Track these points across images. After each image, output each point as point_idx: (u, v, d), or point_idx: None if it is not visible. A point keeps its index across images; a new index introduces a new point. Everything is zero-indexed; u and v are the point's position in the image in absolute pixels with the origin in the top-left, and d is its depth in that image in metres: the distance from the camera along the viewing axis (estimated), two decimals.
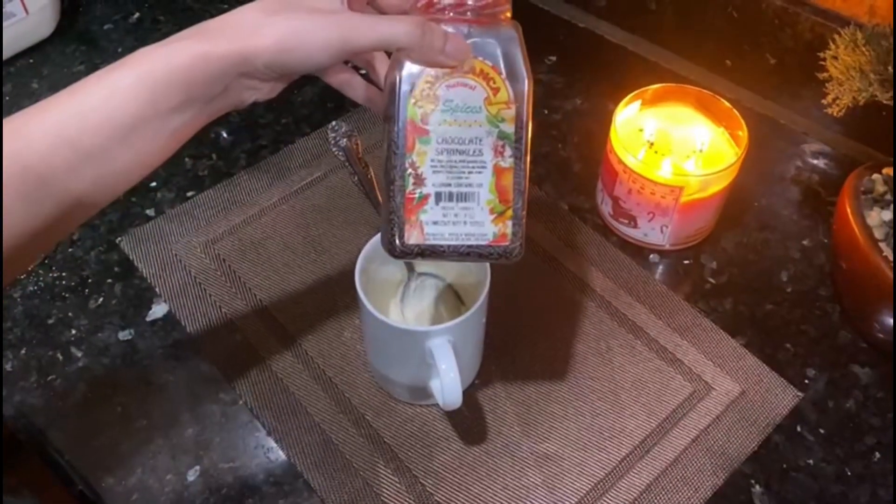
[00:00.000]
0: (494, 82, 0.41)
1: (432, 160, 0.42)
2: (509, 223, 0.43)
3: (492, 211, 0.43)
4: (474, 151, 0.42)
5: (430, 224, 0.43)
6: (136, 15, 0.89)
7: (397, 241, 0.43)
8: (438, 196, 0.42)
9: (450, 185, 0.42)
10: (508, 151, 0.42)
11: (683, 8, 0.79)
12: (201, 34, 0.40)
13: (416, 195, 0.42)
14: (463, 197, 0.43)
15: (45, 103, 0.39)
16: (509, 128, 0.42)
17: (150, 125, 0.39)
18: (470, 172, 0.42)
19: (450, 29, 0.41)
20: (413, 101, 0.41)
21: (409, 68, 0.41)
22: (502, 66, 0.41)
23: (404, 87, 0.41)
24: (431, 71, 0.41)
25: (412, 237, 0.43)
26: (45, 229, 0.39)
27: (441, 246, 0.43)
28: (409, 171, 0.42)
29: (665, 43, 0.83)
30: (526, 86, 0.41)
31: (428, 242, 0.43)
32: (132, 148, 0.40)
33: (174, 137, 0.41)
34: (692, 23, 0.79)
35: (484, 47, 0.41)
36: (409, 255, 0.43)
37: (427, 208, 0.43)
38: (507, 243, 0.43)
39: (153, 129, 0.40)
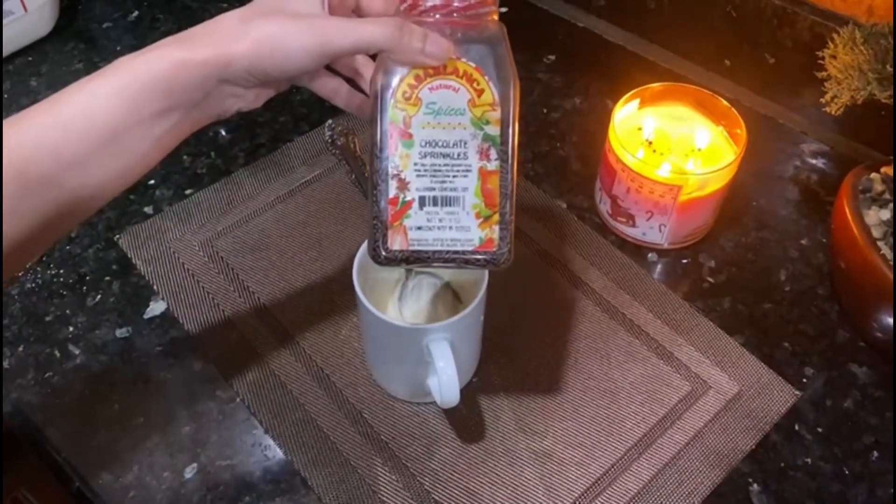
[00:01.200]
0: (478, 84, 0.41)
1: (416, 164, 0.41)
2: (496, 228, 0.42)
3: (478, 215, 0.42)
4: (459, 155, 0.41)
5: (415, 229, 0.42)
6: (135, 13, 0.89)
7: (381, 248, 0.42)
8: (422, 201, 0.42)
9: (434, 189, 0.42)
10: (494, 154, 0.41)
11: (682, 7, 0.79)
12: (180, 41, 0.40)
13: (400, 200, 0.41)
14: (448, 201, 0.42)
15: (26, 113, 0.38)
16: (494, 130, 0.41)
17: (132, 133, 0.39)
18: (455, 176, 0.42)
19: (433, 31, 0.40)
20: (395, 103, 0.41)
21: (391, 71, 0.41)
22: (486, 67, 0.41)
23: (385, 90, 0.41)
24: (414, 73, 0.40)
25: (396, 243, 0.42)
26: (28, 238, 0.38)
27: (426, 252, 0.42)
28: (392, 175, 0.41)
29: (664, 42, 0.83)
30: (511, 88, 0.41)
31: (412, 248, 0.42)
32: (115, 156, 0.39)
33: (158, 145, 0.41)
34: (691, 22, 0.79)
35: (468, 49, 0.41)
36: (393, 261, 0.42)
37: (411, 213, 0.42)
38: (494, 249, 0.42)
39: (136, 137, 0.40)
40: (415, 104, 0.41)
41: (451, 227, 0.42)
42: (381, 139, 0.41)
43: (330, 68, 0.47)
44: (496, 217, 0.42)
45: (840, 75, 0.56)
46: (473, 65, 0.41)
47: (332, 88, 0.47)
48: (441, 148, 0.41)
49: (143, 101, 0.39)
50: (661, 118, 0.65)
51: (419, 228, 0.42)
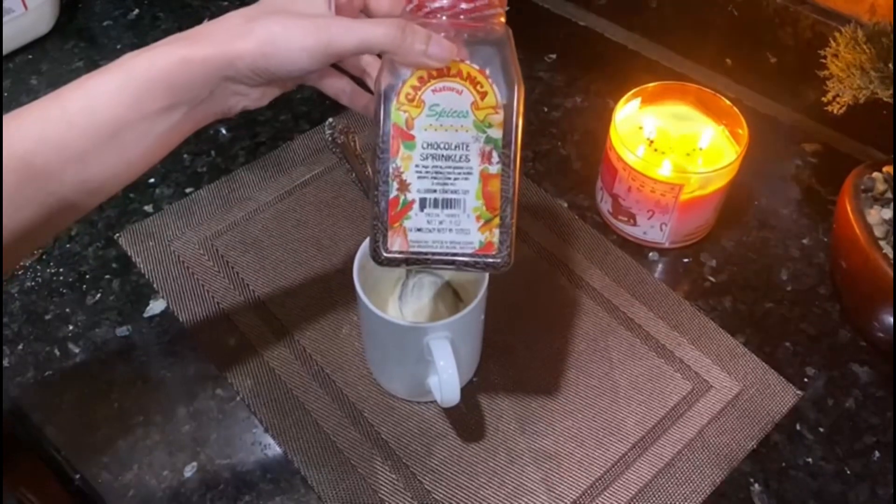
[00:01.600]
0: (482, 86, 0.41)
1: (417, 165, 0.41)
2: (496, 231, 0.42)
3: (478, 218, 0.42)
4: (461, 157, 0.41)
5: (414, 231, 0.42)
6: (136, 12, 0.89)
7: (381, 248, 0.42)
8: (423, 202, 0.42)
9: (435, 191, 0.42)
10: (496, 157, 0.41)
11: (684, 6, 0.79)
12: (184, 39, 0.41)
13: (401, 201, 0.41)
14: (448, 203, 0.42)
15: (30, 106, 0.39)
16: (497, 133, 0.41)
17: (135, 128, 0.40)
18: (456, 178, 0.41)
19: (438, 32, 0.40)
20: (398, 105, 0.41)
21: (395, 72, 0.41)
22: (490, 70, 0.40)
23: (389, 92, 0.41)
24: (417, 75, 0.40)
25: (396, 244, 0.42)
26: (28, 230, 0.39)
27: (425, 254, 0.42)
28: (394, 176, 0.41)
29: (665, 41, 0.83)
30: (515, 91, 0.41)
31: (412, 250, 0.42)
32: (118, 150, 0.40)
33: (160, 141, 0.41)
34: (692, 21, 0.79)
35: (473, 51, 0.41)
36: (393, 262, 0.42)
37: (411, 215, 0.42)
38: (493, 252, 0.42)
39: (138, 133, 0.40)
40: (417, 106, 0.41)
41: (451, 230, 0.42)
42: (384, 140, 0.41)
43: (338, 67, 0.47)
44: (497, 220, 0.42)
45: (842, 74, 0.56)
46: (477, 67, 0.40)
47: (339, 88, 0.47)
48: (443, 150, 0.41)
49: (145, 97, 0.39)
50: (662, 117, 0.65)
51: (419, 230, 0.42)
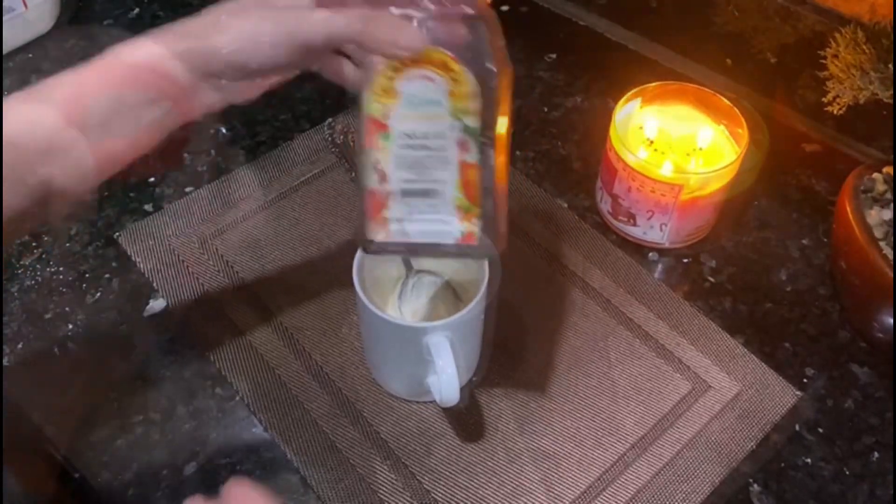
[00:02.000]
0: (456, 74, 0.39)
1: (396, 156, 0.41)
2: (476, 221, 0.41)
3: (459, 208, 0.41)
4: (439, 147, 0.40)
5: (395, 221, 0.42)
6: (136, 10, 0.89)
7: (365, 238, 0.42)
8: (403, 193, 0.41)
9: (414, 181, 0.41)
10: (473, 147, 0.40)
11: (684, 6, 0.79)
12: (164, 34, 0.42)
13: (380, 192, 0.41)
14: (428, 193, 0.41)
15: (17, 95, 0.40)
16: (474, 122, 0.40)
17: (120, 118, 0.41)
18: (435, 168, 0.41)
19: (416, 17, 0.38)
20: (374, 97, 0.40)
21: (368, 63, 0.40)
22: (465, 57, 0.38)
23: (364, 83, 0.40)
24: (391, 65, 0.39)
25: (378, 234, 0.42)
26: (15, 216, 0.39)
27: (407, 243, 0.42)
28: (374, 167, 0.41)
29: (666, 41, 0.83)
30: (495, 78, 0.39)
31: (394, 240, 0.42)
32: (104, 139, 0.41)
33: (147, 132, 0.42)
34: (693, 21, 0.79)
35: (448, 37, 0.38)
36: (378, 251, 0.42)
37: (391, 205, 0.41)
38: (473, 243, 0.42)
39: (124, 123, 0.41)
40: (392, 96, 0.40)
41: (431, 220, 0.42)
42: (361, 132, 0.41)
43: (343, 53, 0.47)
44: (476, 210, 0.41)
45: (842, 75, 0.56)
46: (451, 54, 0.39)
47: (337, 69, 0.47)
48: (420, 139, 0.40)
49: (128, 88, 0.41)
50: (662, 117, 0.65)
51: (399, 220, 0.42)
